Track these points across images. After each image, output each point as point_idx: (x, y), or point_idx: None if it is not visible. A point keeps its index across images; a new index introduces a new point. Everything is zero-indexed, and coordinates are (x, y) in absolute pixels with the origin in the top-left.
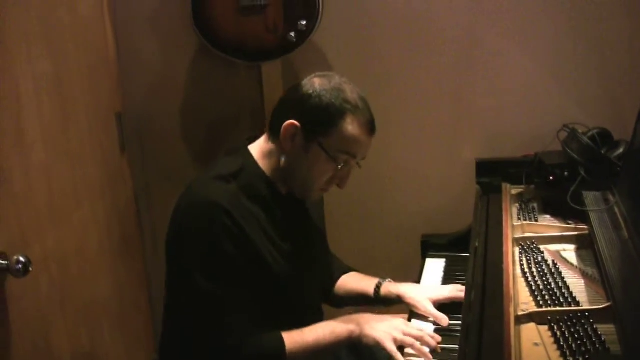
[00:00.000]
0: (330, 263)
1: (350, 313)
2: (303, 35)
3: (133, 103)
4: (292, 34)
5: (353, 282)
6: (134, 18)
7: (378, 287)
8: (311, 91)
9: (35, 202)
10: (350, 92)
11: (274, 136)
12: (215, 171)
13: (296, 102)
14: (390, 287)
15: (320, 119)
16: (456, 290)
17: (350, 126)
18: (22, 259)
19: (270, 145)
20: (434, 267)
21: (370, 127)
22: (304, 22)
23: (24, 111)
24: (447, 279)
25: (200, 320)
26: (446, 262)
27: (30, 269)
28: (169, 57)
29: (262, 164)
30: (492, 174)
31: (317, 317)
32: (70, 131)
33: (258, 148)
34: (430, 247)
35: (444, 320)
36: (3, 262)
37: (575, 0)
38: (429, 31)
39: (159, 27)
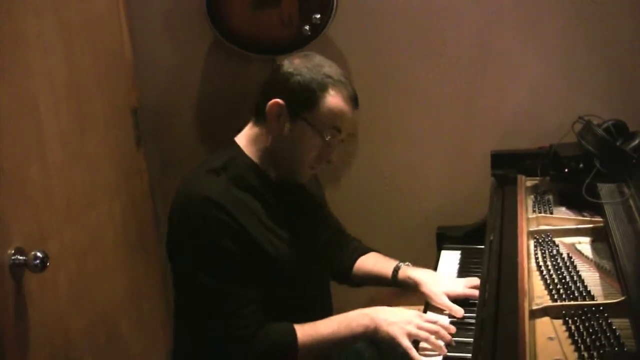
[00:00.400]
0: (338, 246)
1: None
2: (317, 28)
3: (148, 98)
4: (307, 27)
5: (371, 263)
6: (148, 13)
7: (396, 270)
8: (292, 69)
9: (52, 198)
10: (330, 67)
11: (259, 119)
12: (206, 166)
13: (278, 81)
14: (408, 272)
15: (303, 94)
16: (471, 287)
17: (334, 99)
18: (39, 254)
19: (256, 130)
20: (450, 259)
21: (353, 101)
22: (318, 16)
23: (41, 109)
24: (463, 271)
25: (207, 316)
26: (461, 255)
27: (48, 264)
28: (184, 52)
29: (249, 151)
30: (507, 166)
31: (324, 304)
32: (87, 128)
33: (244, 136)
34: (445, 239)
35: (459, 312)
36: (21, 257)
37: None
38: (443, 27)
39: (174, 22)
